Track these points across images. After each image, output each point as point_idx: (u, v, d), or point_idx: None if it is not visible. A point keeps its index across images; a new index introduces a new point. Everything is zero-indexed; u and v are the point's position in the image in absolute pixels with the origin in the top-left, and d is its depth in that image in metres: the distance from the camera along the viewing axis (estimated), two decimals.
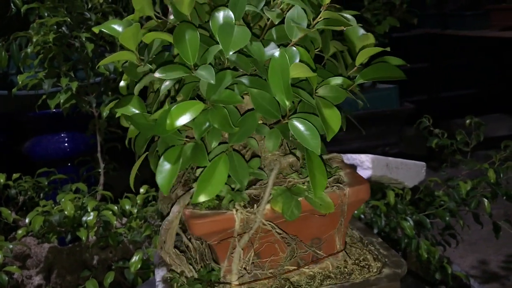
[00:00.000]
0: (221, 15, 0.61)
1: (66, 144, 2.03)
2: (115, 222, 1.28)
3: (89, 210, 1.26)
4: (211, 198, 0.61)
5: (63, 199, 1.30)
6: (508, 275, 2.04)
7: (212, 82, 0.59)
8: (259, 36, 0.69)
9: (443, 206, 1.36)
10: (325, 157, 0.78)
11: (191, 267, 0.73)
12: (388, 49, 0.66)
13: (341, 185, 0.69)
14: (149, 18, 0.72)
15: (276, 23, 0.67)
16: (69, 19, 1.53)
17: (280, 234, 0.68)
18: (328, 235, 0.71)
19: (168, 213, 0.71)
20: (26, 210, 1.54)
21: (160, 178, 0.62)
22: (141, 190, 1.42)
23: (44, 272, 1.38)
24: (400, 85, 2.88)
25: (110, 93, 1.62)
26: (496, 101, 4.16)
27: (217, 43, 0.61)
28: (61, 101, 1.50)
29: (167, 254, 0.72)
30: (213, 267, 0.71)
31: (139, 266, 1.17)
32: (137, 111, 0.69)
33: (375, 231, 1.32)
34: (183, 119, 0.59)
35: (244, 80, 0.62)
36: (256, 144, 0.69)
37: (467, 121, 1.56)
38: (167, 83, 0.64)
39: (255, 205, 0.67)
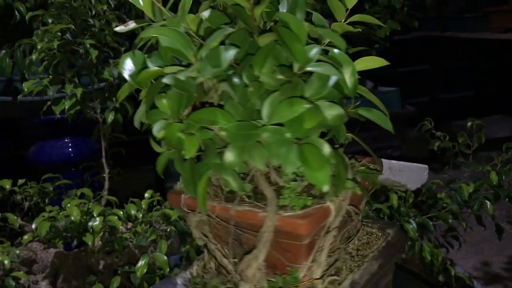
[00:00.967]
0: None
1: (70, 150, 2.04)
2: (120, 227, 1.29)
3: (95, 215, 1.27)
4: None
5: (69, 205, 1.31)
6: (511, 277, 2.05)
7: None
8: None
9: (446, 208, 1.37)
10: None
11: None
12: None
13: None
14: None
15: None
16: (73, 26, 1.55)
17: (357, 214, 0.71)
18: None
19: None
20: (31, 216, 1.55)
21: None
22: (146, 195, 1.43)
23: (51, 277, 1.39)
24: (402, 88, 2.89)
25: (114, 99, 1.63)
26: (497, 103, 4.17)
27: None
28: (66, 107, 1.51)
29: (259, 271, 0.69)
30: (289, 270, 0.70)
31: (145, 270, 1.18)
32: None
33: None
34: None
35: None
36: None
37: (469, 123, 1.57)
38: None
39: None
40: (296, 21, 0.59)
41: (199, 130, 0.63)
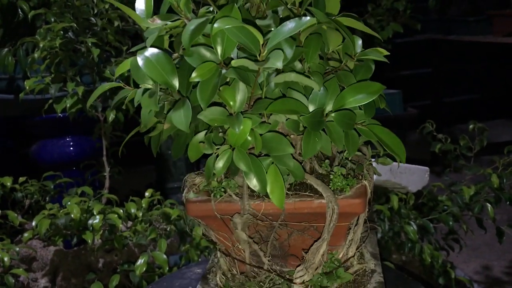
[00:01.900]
0: None
1: (71, 148, 2.04)
2: (120, 225, 1.29)
3: (95, 213, 1.28)
4: None
5: (69, 202, 1.31)
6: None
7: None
8: None
9: (447, 211, 1.37)
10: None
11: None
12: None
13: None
14: None
15: None
16: (75, 25, 1.55)
17: None
18: None
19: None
20: (32, 213, 1.55)
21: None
22: (146, 194, 1.43)
23: (50, 275, 1.39)
24: (404, 90, 2.89)
25: (115, 97, 1.63)
26: (500, 106, 4.17)
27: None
28: (68, 105, 1.51)
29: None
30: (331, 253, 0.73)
31: (144, 269, 1.18)
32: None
33: (379, 235, 1.33)
34: None
35: None
36: None
37: (471, 126, 1.57)
38: None
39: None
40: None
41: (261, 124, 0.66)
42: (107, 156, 1.72)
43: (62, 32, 1.54)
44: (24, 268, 1.32)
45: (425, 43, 4.04)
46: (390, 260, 1.32)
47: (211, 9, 0.69)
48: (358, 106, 0.67)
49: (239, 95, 0.64)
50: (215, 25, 0.58)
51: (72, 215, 1.27)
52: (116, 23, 1.62)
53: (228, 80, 0.65)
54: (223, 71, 0.62)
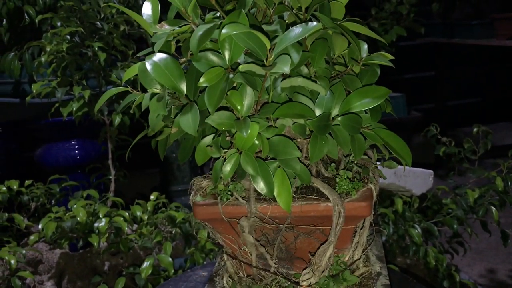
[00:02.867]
0: None
1: (77, 152, 2.05)
2: (126, 228, 1.29)
3: (100, 217, 1.28)
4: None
5: (75, 206, 1.32)
6: None
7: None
8: None
9: (451, 214, 1.37)
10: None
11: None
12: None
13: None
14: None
15: None
16: (81, 29, 1.57)
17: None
18: None
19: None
20: (38, 217, 1.56)
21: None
22: (151, 197, 1.44)
23: (56, 278, 1.40)
24: (408, 94, 2.89)
25: (121, 101, 1.64)
26: (503, 109, 4.16)
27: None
28: (74, 109, 1.52)
29: None
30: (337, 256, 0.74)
31: (150, 272, 1.18)
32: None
33: (383, 238, 1.33)
34: None
35: None
36: None
37: (475, 130, 1.57)
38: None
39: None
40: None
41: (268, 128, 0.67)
42: (112, 160, 1.73)
43: (68, 36, 1.55)
44: (30, 271, 1.33)
45: (429, 46, 4.05)
46: (394, 263, 1.33)
47: (218, 14, 0.70)
48: (364, 110, 0.68)
49: (247, 100, 0.65)
50: (223, 30, 0.58)
51: (78, 218, 1.28)
52: (122, 28, 1.63)
53: (235, 84, 0.66)
54: (231, 76, 0.62)
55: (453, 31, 3.92)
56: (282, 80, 0.65)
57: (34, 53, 1.67)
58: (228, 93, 0.64)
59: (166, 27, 0.66)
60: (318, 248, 0.71)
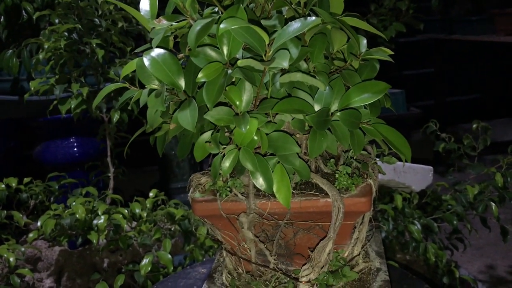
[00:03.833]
0: None
1: (75, 149, 2.05)
2: (125, 225, 1.29)
3: (99, 214, 1.28)
4: None
5: (74, 203, 1.32)
6: None
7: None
8: None
9: (451, 210, 1.37)
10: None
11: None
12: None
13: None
14: None
15: None
16: (79, 26, 1.56)
17: None
18: None
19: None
20: (37, 214, 1.56)
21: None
22: (151, 194, 1.44)
23: (55, 275, 1.40)
24: (407, 90, 2.89)
25: (119, 98, 1.64)
26: (503, 105, 4.16)
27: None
28: (72, 106, 1.52)
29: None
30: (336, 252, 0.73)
31: (149, 269, 1.18)
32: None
33: (383, 235, 1.33)
34: None
35: None
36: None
37: (474, 126, 1.57)
38: None
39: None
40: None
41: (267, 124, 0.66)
42: (111, 157, 1.73)
43: (66, 33, 1.55)
44: (30, 268, 1.33)
45: (428, 42, 4.04)
46: (394, 259, 1.33)
47: (216, 9, 0.70)
48: (364, 105, 0.67)
49: (245, 95, 0.64)
50: (221, 25, 0.58)
51: (77, 216, 1.28)
52: (120, 24, 1.63)
53: (234, 80, 0.66)
54: (229, 71, 0.62)
55: (453, 27, 3.91)
56: (281, 75, 0.65)
57: (32, 50, 1.66)
58: (226, 88, 0.64)
59: (164, 22, 0.66)
60: (318, 244, 0.70)
